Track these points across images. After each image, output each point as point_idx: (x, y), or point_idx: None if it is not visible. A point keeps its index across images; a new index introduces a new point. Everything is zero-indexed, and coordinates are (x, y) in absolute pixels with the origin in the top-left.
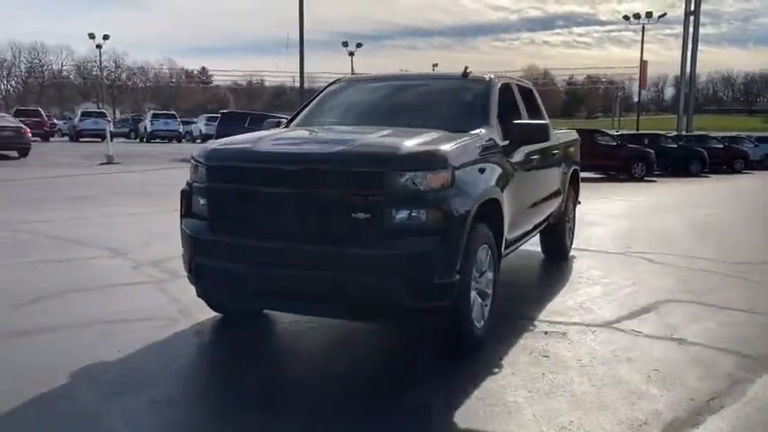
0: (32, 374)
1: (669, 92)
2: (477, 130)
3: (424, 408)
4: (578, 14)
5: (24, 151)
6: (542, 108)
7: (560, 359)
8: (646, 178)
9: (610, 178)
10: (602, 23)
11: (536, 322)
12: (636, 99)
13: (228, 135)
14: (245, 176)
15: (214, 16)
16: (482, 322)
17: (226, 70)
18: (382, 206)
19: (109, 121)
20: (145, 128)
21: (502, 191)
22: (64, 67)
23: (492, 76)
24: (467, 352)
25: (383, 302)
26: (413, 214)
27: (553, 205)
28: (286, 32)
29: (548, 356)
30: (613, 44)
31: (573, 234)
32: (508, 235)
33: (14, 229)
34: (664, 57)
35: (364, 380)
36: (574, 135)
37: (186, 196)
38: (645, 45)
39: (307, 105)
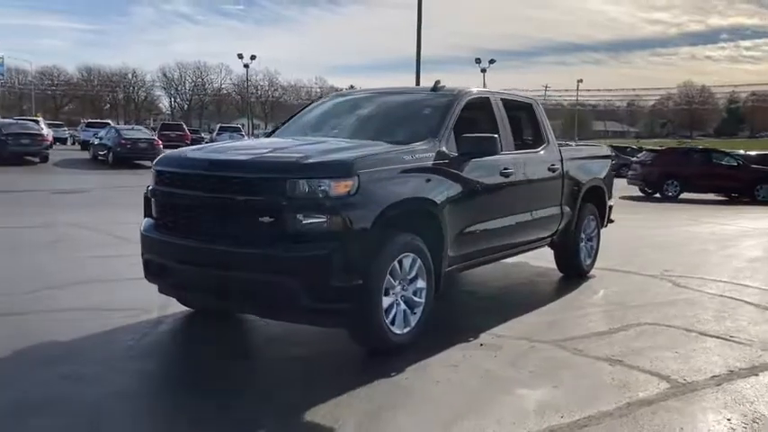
0: None
1: None
2: (420, 142)
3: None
4: (746, 27)
5: None
6: (542, 124)
7: (469, 369)
8: None
9: (730, 201)
10: None
11: (483, 335)
12: None
13: None
14: (174, 180)
15: (364, 36)
16: (407, 329)
17: (373, 88)
18: (285, 211)
19: (243, 135)
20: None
21: (440, 202)
22: (223, 85)
23: (460, 91)
24: (384, 355)
25: (284, 302)
26: (314, 219)
27: (549, 222)
28: (433, 50)
29: (456, 366)
30: None
31: (595, 252)
32: (456, 249)
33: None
34: None
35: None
36: (595, 150)
37: (145, 198)
38: None
39: (291, 118)
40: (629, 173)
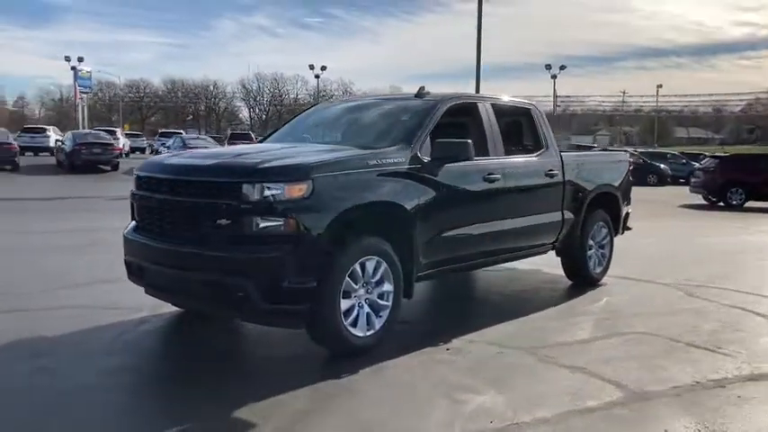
0: None
1: None
2: (392, 147)
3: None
4: None
5: None
6: (541, 129)
7: (424, 373)
8: None
9: None
10: None
11: (456, 339)
12: None
13: None
14: (148, 184)
15: (439, 44)
16: (370, 331)
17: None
18: (241, 214)
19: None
20: None
21: (409, 206)
22: (299, 96)
23: (443, 97)
24: (346, 357)
25: (239, 303)
26: (268, 222)
27: (548, 228)
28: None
29: (412, 369)
30: None
31: (607, 260)
32: (431, 254)
33: None
34: None
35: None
36: (606, 156)
37: (130, 202)
38: None
39: (284, 125)
40: (692, 180)
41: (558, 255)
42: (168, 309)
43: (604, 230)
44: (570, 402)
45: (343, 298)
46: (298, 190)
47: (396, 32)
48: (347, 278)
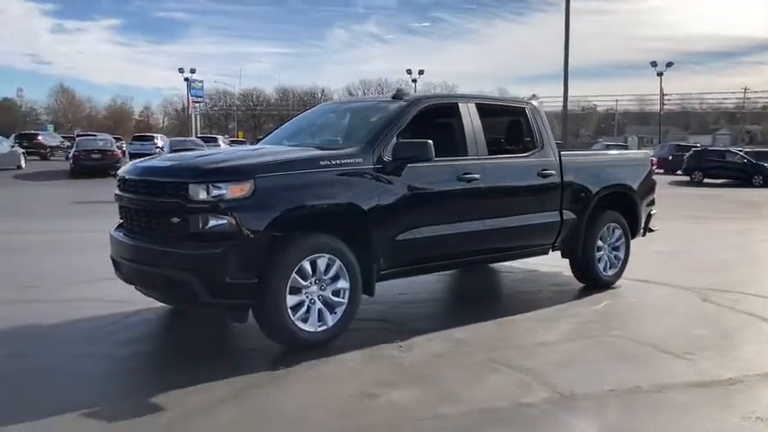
0: None
1: None
2: (352, 148)
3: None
4: None
5: None
6: (536, 128)
7: (357, 369)
8: None
9: None
10: None
11: (417, 338)
12: None
13: None
14: (123, 185)
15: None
16: (322, 327)
17: (555, 96)
18: (189, 213)
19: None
20: None
21: (364, 205)
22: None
23: (417, 98)
24: (297, 350)
25: (187, 297)
26: (213, 220)
27: (543, 229)
28: (624, 55)
29: (351, 365)
30: None
31: (622, 263)
32: (395, 253)
33: None
34: None
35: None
36: (620, 156)
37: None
38: None
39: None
40: None
41: (563, 256)
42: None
43: (618, 232)
44: (484, 401)
45: (292, 294)
46: (240, 190)
47: (503, 33)
48: (294, 275)
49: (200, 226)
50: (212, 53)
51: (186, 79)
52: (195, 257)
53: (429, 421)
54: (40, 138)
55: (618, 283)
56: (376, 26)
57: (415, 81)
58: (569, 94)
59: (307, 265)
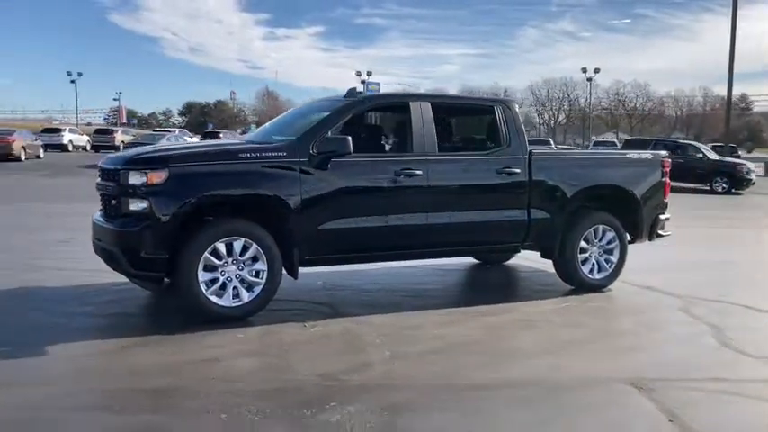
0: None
1: None
2: (281, 143)
3: None
4: None
5: None
6: (504, 127)
7: (241, 342)
8: None
9: None
10: None
11: (331, 320)
12: None
13: None
14: (99, 173)
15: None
16: (238, 303)
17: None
18: (120, 195)
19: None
20: None
21: (281, 195)
22: (591, 99)
23: (365, 97)
24: (214, 322)
25: (118, 268)
26: (135, 203)
27: (504, 227)
28: None
29: (244, 335)
30: None
31: (615, 266)
32: (318, 242)
33: None
34: None
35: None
36: (615, 156)
37: None
38: None
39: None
40: None
41: (542, 256)
42: None
43: (609, 234)
44: (317, 378)
45: (207, 271)
46: (157, 177)
47: (713, 29)
48: (207, 254)
49: (128, 207)
50: (407, 56)
51: (363, 82)
52: (119, 234)
53: (235, 384)
54: (220, 135)
55: (612, 286)
56: (571, 24)
57: (590, 80)
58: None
59: (221, 246)
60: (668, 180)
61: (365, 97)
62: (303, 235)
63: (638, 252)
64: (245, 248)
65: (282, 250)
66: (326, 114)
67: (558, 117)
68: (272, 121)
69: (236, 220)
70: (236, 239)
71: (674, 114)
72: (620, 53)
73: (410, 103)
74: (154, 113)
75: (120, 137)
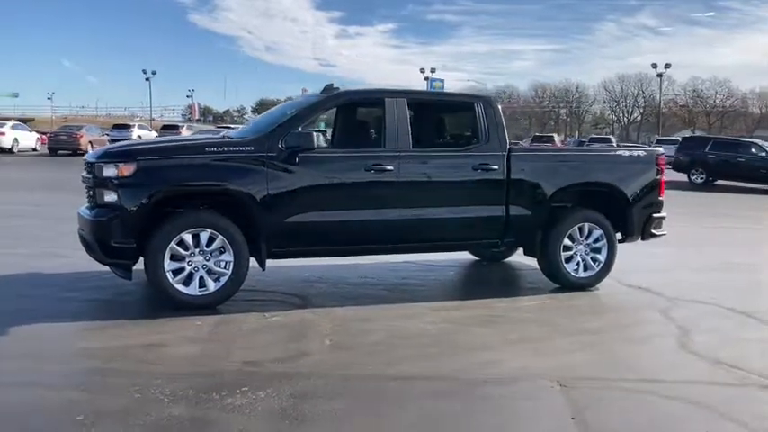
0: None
1: None
2: (250, 137)
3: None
4: None
5: None
6: (483, 123)
7: (192, 330)
8: None
9: None
10: None
11: (294, 312)
12: None
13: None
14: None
15: None
16: (204, 291)
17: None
18: (95, 187)
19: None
20: None
21: (246, 188)
22: (665, 95)
23: (338, 93)
24: (181, 309)
25: (94, 255)
26: (109, 193)
27: (478, 223)
28: None
29: (200, 325)
30: None
31: (603, 265)
32: (285, 235)
33: None
34: None
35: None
36: (602, 153)
37: None
38: None
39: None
40: None
41: (525, 253)
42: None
43: (597, 233)
44: (243, 364)
45: (173, 260)
46: (125, 170)
47: None
48: (173, 244)
49: (103, 198)
50: (480, 52)
51: (426, 78)
52: (93, 223)
53: (163, 367)
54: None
55: (601, 285)
56: (651, 18)
57: (660, 75)
58: None
59: (187, 237)
60: (664, 178)
61: (338, 93)
62: (270, 228)
63: (660, 253)
64: (211, 239)
65: (250, 242)
66: (297, 110)
67: (632, 114)
68: (258, 117)
69: (203, 212)
70: (202, 231)
71: (759, 111)
72: (702, 48)
73: (385, 99)
74: (228, 110)
75: (185, 132)
